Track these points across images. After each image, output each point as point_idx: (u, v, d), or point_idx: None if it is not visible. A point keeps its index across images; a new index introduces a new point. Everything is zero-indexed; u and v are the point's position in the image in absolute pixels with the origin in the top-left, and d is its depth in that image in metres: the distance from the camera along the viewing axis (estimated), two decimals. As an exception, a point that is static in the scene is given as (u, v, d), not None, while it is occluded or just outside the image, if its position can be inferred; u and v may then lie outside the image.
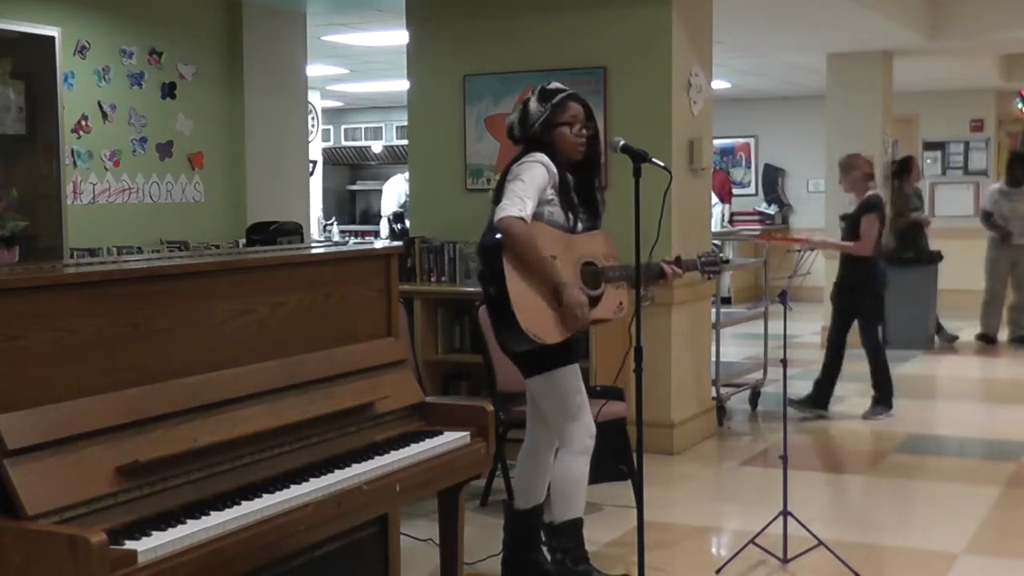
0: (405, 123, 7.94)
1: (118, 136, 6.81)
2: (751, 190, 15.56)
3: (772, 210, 15.23)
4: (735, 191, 15.28)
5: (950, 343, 10.72)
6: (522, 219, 3.83)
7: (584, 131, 4.05)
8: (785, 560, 4.43)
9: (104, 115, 6.72)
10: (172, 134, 7.13)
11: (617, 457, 4.93)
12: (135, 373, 2.72)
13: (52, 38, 6.20)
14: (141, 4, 6.97)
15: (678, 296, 6.30)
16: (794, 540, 4.45)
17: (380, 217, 14.58)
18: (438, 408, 3.56)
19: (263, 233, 6.63)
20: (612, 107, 6.36)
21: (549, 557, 4.16)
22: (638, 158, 3.93)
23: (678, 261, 4.26)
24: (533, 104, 4.04)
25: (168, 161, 7.10)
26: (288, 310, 3.20)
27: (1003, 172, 11.40)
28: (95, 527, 2.35)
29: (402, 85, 7.47)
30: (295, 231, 6.71)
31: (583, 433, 4.03)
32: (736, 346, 10.02)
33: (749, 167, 15.64)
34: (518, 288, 3.83)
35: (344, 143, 16.11)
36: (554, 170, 3.97)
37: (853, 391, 7.90)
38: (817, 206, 12.46)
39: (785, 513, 4.46)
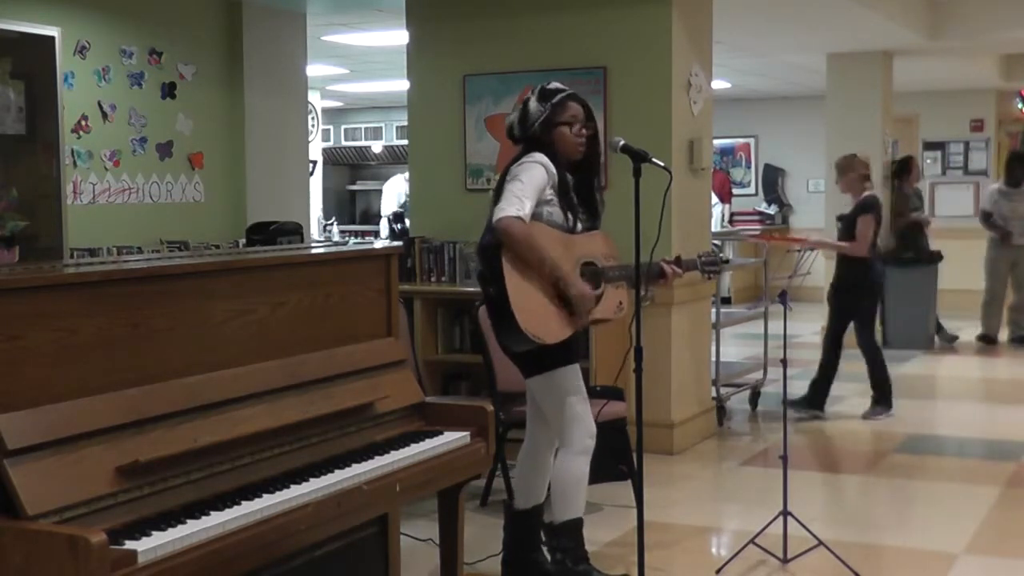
0: (405, 123, 7.94)
1: (118, 136, 6.81)
2: (751, 190, 15.57)
3: (772, 210, 15.23)
4: (735, 191, 15.28)
5: (950, 343, 10.72)
6: (520, 219, 3.83)
7: (584, 131, 4.05)
8: (785, 560, 4.43)
9: (104, 115, 6.72)
10: (172, 134, 7.13)
11: (617, 457, 4.93)
12: (135, 373, 2.72)
13: (52, 38, 6.20)
14: (141, 4, 6.97)
15: (678, 296, 6.30)
16: (794, 540, 4.45)
17: (380, 217, 14.58)
18: (438, 408, 3.56)
19: (263, 233, 6.63)
20: (612, 107, 6.36)
21: (549, 557, 4.16)
22: (638, 158, 3.93)
23: (678, 261, 4.25)
24: (533, 104, 4.04)
25: (168, 161, 7.10)
26: (288, 310, 3.20)
27: (1002, 172, 11.40)
28: (95, 527, 2.35)
29: (402, 85, 7.47)
30: (295, 231, 6.71)
31: (583, 433, 4.03)
32: (736, 346, 10.02)
33: (749, 167, 15.65)
34: (517, 288, 3.83)
35: (344, 143, 16.11)
36: (553, 170, 3.97)
37: (852, 391, 7.90)
38: (817, 206, 12.45)
39: (785, 513, 4.46)
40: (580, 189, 4.10)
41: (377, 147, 15.66)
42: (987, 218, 10.79)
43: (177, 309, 2.85)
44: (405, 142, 10.02)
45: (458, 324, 6.37)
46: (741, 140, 15.50)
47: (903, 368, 9.35)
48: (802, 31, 9.42)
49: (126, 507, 2.54)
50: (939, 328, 10.72)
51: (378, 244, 9.25)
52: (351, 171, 16.15)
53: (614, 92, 6.37)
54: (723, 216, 14.28)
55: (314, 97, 12.82)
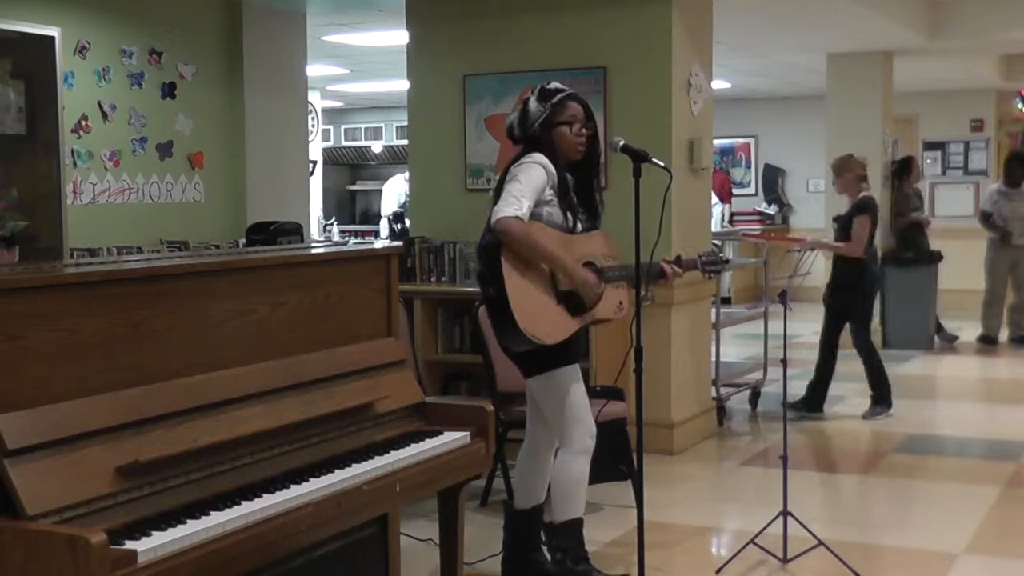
0: (405, 123, 7.94)
1: (118, 136, 6.80)
2: (751, 190, 15.57)
3: (772, 210, 15.24)
4: (735, 191, 15.28)
5: (950, 343, 10.72)
6: (519, 218, 3.83)
7: (584, 131, 4.05)
8: (785, 560, 4.43)
9: (104, 115, 6.72)
10: (172, 134, 7.13)
11: (617, 457, 4.93)
12: (135, 373, 2.72)
13: (52, 38, 6.21)
14: (141, 4, 6.96)
15: (678, 296, 6.30)
16: (794, 540, 4.45)
17: (380, 217, 14.58)
18: (438, 408, 3.56)
19: (263, 233, 6.63)
20: (612, 107, 6.36)
21: (549, 557, 4.16)
22: (638, 158, 3.92)
23: (678, 260, 4.25)
24: (533, 104, 4.03)
25: (168, 161, 7.10)
26: (288, 310, 3.20)
27: (1001, 173, 11.40)
28: (95, 527, 2.36)
29: (402, 85, 7.47)
30: (295, 231, 6.71)
31: (583, 433, 4.03)
32: (736, 346, 10.02)
33: (749, 167, 15.65)
34: (517, 289, 3.83)
35: (344, 143, 16.11)
36: (553, 171, 3.97)
37: (852, 391, 7.90)
38: (817, 206, 12.46)
39: (785, 513, 4.46)
40: (580, 189, 4.10)
41: (377, 147, 15.65)
42: (986, 218, 10.79)
43: (177, 309, 2.85)
44: (405, 142, 10.01)
45: (458, 324, 6.37)
46: (741, 140, 15.50)
47: (903, 368, 9.35)
48: (802, 31, 9.42)
49: (126, 507, 2.54)
50: (939, 328, 10.72)
51: (378, 244, 9.25)
52: (351, 171, 16.15)
53: (614, 92, 6.37)
54: (723, 216, 14.28)
55: (314, 97, 12.81)
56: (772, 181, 15.40)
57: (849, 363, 7.55)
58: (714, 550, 4.98)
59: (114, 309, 2.69)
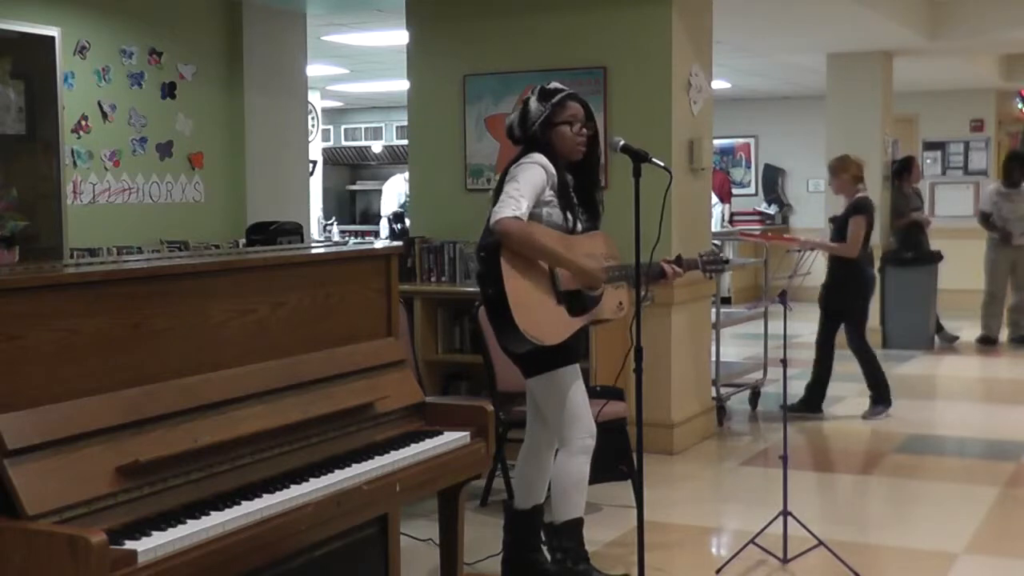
0: (405, 123, 7.94)
1: (118, 136, 6.81)
2: (751, 190, 15.57)
3: (772, 210, 15.24)
4: (735, 191, 15.28)
5: (950, 343, 10.72)
6: (518, 218, 3.83)
7: (584, 130, 4.05)
8: (785, 560, 4.43)
9: (104, 115, 6.72)
10: (172, 134, 7.13)
11: (617, 457, 4.93)
12: (135, 373, 2.72)
13: (52, 38, 6.21)
14: (141, 4, 6.97)
15: (678, 296, 6.30)
16: (794, 540, 4.45)
17: (380, 217, 14.58)
18: (438, 408, 3.56)
19: (263, 233, 6.63)
20: (612, 107, 6.36)
21: (549, 557, 4.16)
22: (638, 158, 3.92)
23: (679, 260, 4.25)
24: (533, 104, 4.03)
25: (168, 161, 7.10)
26: (288, 310, 3.20)
27: (1000, 173, 11.40)
28: (95, 527, 2.35)
29: (402, 85, 7.47)
30: (295, 231, 6.71)
31: (583, 433, 4.03)
32: (736, 346, 10.02)
33: (749, 167, 15.65)
34: (516, 290, 3.83)
35: (344, 143, 16.11)
36: (552, 171, 3.97)
37: (852, 391, 7.90)
38: (817, 206, 12.47)
39: (785, 513, 4.46)
40: (580, 189, 4.10)
41: (377, 147, 15.66)
42: (986, 219, 10.79)
43: (177, 309, 2.85)
44: (405, 142, 10.02)
45: (458, 324, 6.37)
46: (741, 140, 15.50)
47: (903, 368, 9.35)
48: (802, 31, 9.42)
49: (126, 507, 2.54)
50: (939, 328, 10.72)
51: (378, 244, 9.25)
52: (351, 171, 16.15)
53: (614, 92, 6.37)
54: (723, 216, 14.28)
55: (314, 97, 12.82)
56: (772, 181, 15.40)
57: (848, 363, 7.55)
58: (714, 550, 4.98)
59: (114, 309, 2.69)
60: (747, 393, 7.67)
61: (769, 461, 6.28)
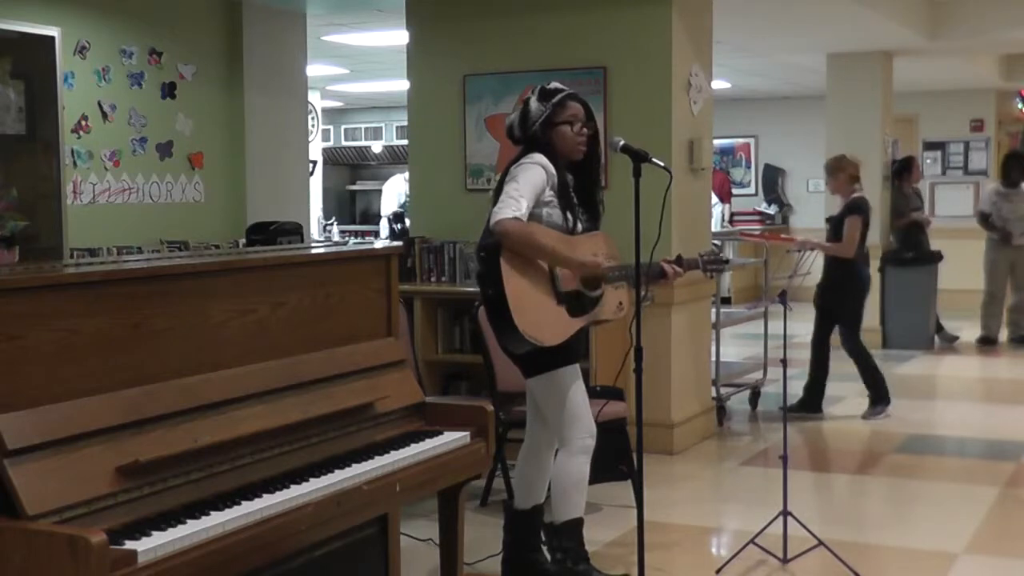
0: (405, 123, 7.94)
1: (118, 136, 6.81)
2: (751, 190, 15.57)
3: (772, 210, 15.24)
4: (735, 191, 15.28)
5: (950, 343, 10.72)
6: (518, 219, 3.83)
7: (584, 130, 4.05)
8: (785, 560, 4.43)
9: (104, 115, 6.72)
10: (172, 134, 7.13)
11: (617, 457, 4.93)
12: (135, 373, 2.72)
13: (52, 38, 6.21)
14: (141, 4, 6.97)
15: (678, 296, 6.30)
16: (794, 540, 4.45)
17: (380, 217, 14.58)
18: (438, 408, 3.56)
19: (263, 233, 6.63)
20: (612, 107, 6.36)
21: (549, 557, 4.16)
22: (638, 158, 3.92)
23: (679, 260, 4.25)
24: (534, 103, 4.03)
25: (168, 161, 7.10)
26: (288, 310, 3.20)
27: (999, 173, 11.40)
28: (95, 527, 2.35)
29: (402, 85, 7.47)
30: (295, 231, 6.71)
31: (583, 433, 4.03)
32: (736, 346, 10.02)
33: (749, 167, 15.65)
34: (516, 290, 3.83)
35: (344, 143, 16.11)
36: (552, 171, 3.97)
37: (851, 391, 7.90)
38: (817, 206, 12.46)
39: (785, 513, 4.46)
40: (580, 190, 4.10)
41: (377, 147, 15.66)
42: (985, 219, 10.79)
43: (177, 309, 2.85)
44: (405, 142, 10.02)
45: (458, 324, 6.37)
46: (741, 140, 15.50)
47: (903, 368, 9.36)
48: (802, 31, 9.42)
49: (126, 507, 2.54)
50: (939, 328, 10.71)
51: (378, 244, 9.25)
52: (351, 171, 16.15)
53: (614, 92, 6.37)
54: (723, 216, 14.28)
55: (314, 97, 12.82)
56: (772, 181, 15.40)
57: (847, 363, 7.54)
58: (714, 550, 4.98)
59: (114, 309, 2.69)
60: (747, 393, 7.67)
61: (769, 461, 6.28)
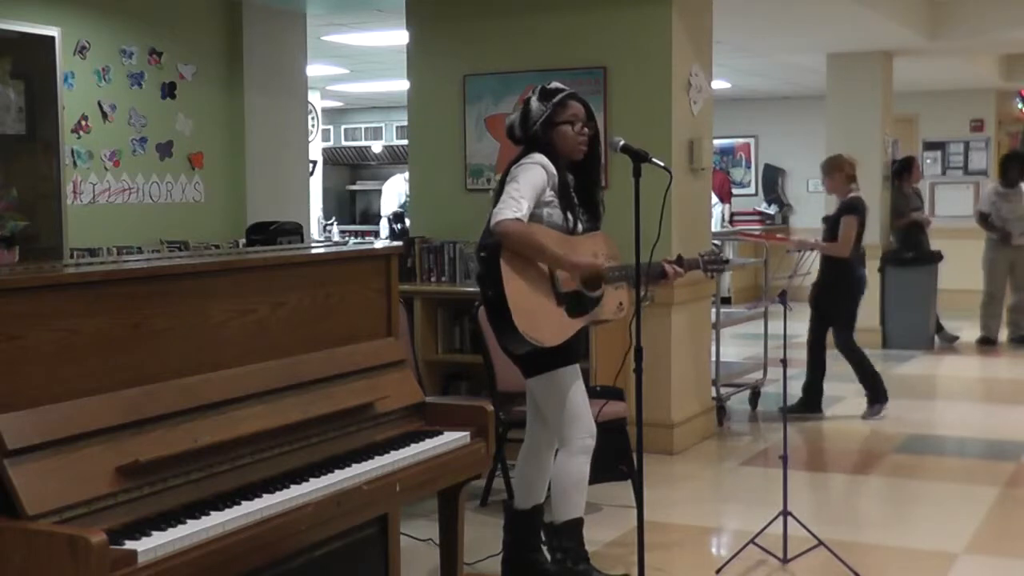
0: (405, 123, 7.94)
1: (118, 136, 6.81)
2: (751, 190, 15.58)
3: (772, 210, 15.24)
4: (735, 191, 15.29)
5: (950, 343, 10.72)
6: (518, 220, 3.83)
7: (585, 130, 4.05)
8: (785, 560, 4.43)
9: (104, 115, 6.72)
10: (172, 134, 7.13)
11: (617, 457, 4.93)
12: (135, 373, 2.72)
13: (52, 38, 6.21)
14: (141, 4, 6.97)
15: (678, 296, 6.30)
16: (794, 540, 4.45)
17: (380, 217, 14.58)
18: (438, 408, 3.56)
19: (263, 233, 6.63)
20: (612, 107, 6.36)
21: (549, 557, 4.16)
22: (638, 158, 3.92)
23: (679, 260, 4.25)
24: (534, 103, 4.03)
25: (168, 161, 7.10)
26: (288, 310, 3.20)
27: (998, 173, 11.40)
28: (95, 527, 2.35)
29: (402, 85, 7.47)
30: (295, 231, 6.71)
31: (583, 433, 4.03)
32: (736, 346, 10.02)
33: (749, 167, 15.65)
34: (516, 291, 3.83)
35: (344, 143, 16.11)
36: (553, 171, 3.97)
37: (851, 391, 7.89)
38: (817, 206, 12.44)
39: (785, 513, 4.46)
40: (580, 190, 4.10)
41: (377, 147, 15.66)
42: (984, 219, 10.79)
43: (177, 309, 2.85)
44: (405, 142, 10.02)
45: (458, 324, 6.37)
46: (741, 140, 15.50)
47: (903, 368, 9.36)
48: (802, 31, 9.42)
49: (126, 507, 2.54)
50: (939, 328, 10.71)
51: (378, 244, 9.25)
52: (351, 171, 16.15)
53: (614, 92, 6.37)
54: (723, 216, 14.28)
55: (314, 97, 12.82)
56: (772, 181, 15.40)
57: (846, 364, 7.53)
58: (714, 550, 4.98)
59: (114, 309, 2.69)
60: (747, 393, 7.67)
61: (769, 461, 6.28)
